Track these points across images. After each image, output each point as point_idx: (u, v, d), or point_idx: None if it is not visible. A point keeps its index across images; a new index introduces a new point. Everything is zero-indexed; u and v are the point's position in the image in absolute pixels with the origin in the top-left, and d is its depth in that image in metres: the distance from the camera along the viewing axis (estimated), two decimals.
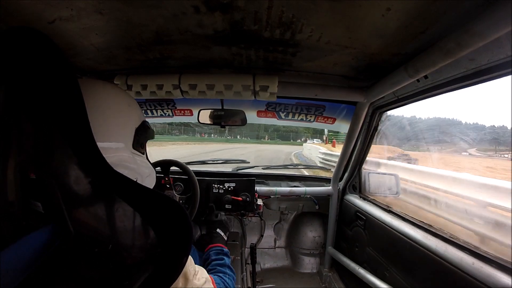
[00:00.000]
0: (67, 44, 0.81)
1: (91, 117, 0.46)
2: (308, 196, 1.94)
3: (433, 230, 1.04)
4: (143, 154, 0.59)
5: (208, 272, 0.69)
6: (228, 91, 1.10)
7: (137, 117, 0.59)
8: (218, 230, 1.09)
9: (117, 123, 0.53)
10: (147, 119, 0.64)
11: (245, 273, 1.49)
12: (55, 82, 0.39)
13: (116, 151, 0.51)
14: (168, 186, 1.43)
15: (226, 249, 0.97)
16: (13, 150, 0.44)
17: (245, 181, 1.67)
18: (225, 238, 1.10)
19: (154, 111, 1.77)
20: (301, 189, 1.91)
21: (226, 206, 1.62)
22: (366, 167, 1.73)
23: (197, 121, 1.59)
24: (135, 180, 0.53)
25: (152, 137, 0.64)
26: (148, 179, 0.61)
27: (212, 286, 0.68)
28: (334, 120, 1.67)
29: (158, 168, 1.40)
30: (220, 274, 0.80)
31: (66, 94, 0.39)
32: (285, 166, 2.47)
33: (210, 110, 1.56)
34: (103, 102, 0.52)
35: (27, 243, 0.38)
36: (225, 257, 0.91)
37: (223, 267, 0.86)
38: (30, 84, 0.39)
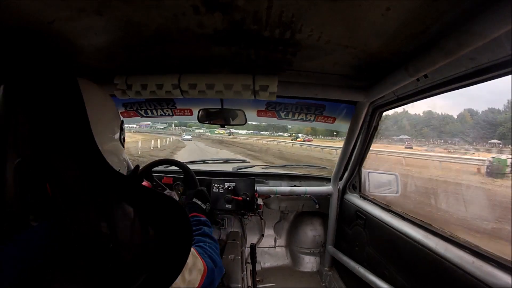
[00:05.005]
0: (67, 44, 0.81)
1: (96, 117, 0.52)
2: (308, 195, 1.95)
3: (433, 229, 1.04)
4: (123, 148, 0.73)
5: None
6: (228, 91, 1.10)
7: (119, 115, 0.72)
8: (194, 199, 1.06)
9: (112, 119, 0.67)
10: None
11: (245, 272, 1.49)
12: (53, 82, 0.38)
13: (113, 141, 0.66)
14: (160, 188, 1.39)
15: (203, 218, 0.95)
16: (12, 150, 0.44)
17: (245, 181, 1.67)
18: (204, 207, 1.06)
19: (154, 110, 1.77)
20: (301, 188, 1.91)
21: (226, 206, 1.62)
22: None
23: (197, 120, 1.60)
24: (118, 170, 0.61)
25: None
26: (125, 171, 0.76)
27: (198, 257, 0.67)
28: (334, 119, 1.67)
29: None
30: (201, 244, 0.80)
31: (64, 94, 0.39)
32: (285, 166, 2.48)
33: (210, 110, 1.56)
34: (99, 103, 0.63)
35: (27, 242, 0.38)
36: (203, 227, 0.89)
37: (204, 236, 0.85)
38: (29, 84, 0.39)
